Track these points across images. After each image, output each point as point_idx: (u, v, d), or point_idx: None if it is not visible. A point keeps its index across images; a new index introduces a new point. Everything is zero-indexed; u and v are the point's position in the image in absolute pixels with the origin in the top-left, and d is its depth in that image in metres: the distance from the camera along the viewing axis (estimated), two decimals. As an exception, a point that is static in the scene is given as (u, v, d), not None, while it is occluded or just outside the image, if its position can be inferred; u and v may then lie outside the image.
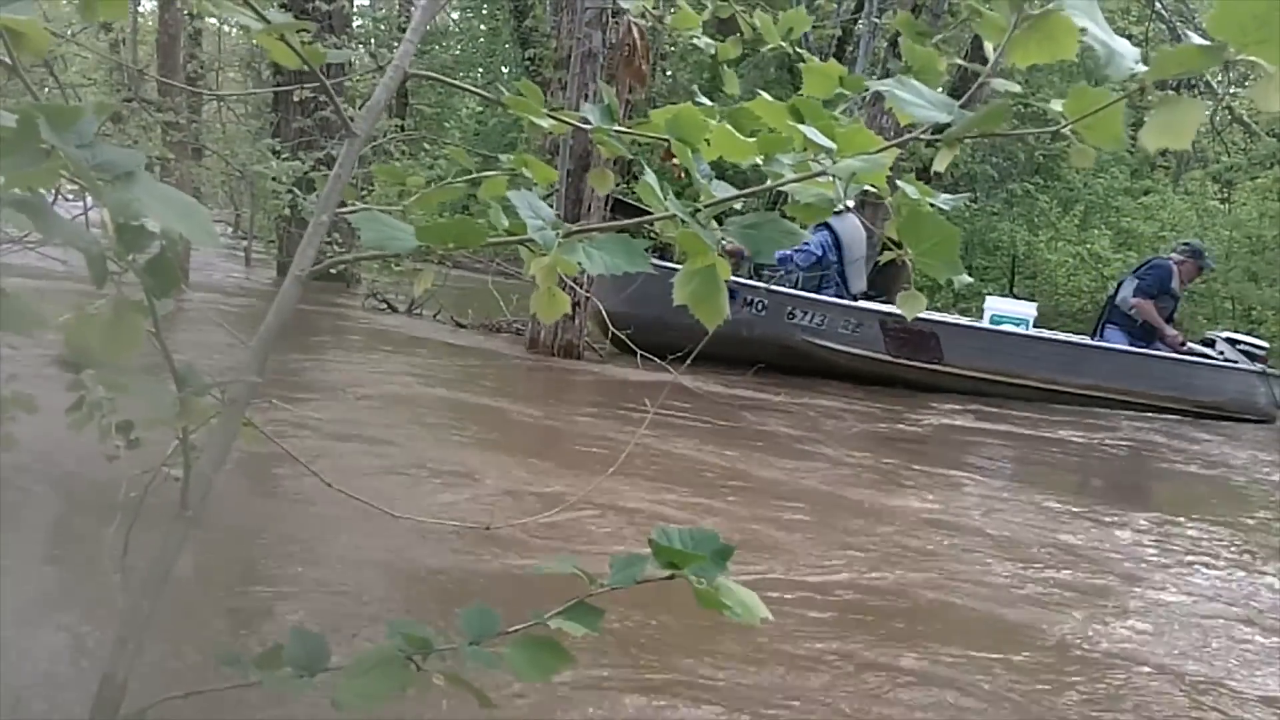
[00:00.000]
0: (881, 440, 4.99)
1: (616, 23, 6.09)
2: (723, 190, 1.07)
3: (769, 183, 1.04)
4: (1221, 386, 7.55)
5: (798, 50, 1.50)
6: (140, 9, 15.54)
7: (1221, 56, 0.81)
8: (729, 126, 1.07)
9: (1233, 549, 3.35)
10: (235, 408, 1.01)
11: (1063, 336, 8.19)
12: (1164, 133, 0.86)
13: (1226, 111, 13.89)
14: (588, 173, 6.01)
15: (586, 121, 1.18)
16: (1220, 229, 14.39)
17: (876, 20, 11.28)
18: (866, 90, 1.17)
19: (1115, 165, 15.85)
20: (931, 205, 1.01)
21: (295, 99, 9.53)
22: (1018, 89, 1.10)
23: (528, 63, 13.71)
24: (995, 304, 7.58)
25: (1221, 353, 7.79)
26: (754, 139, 1.06)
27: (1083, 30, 0.87)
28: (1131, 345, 7.53)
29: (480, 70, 18.89)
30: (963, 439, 5.42)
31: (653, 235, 1.09)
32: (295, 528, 2.39)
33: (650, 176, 1.02)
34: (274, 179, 8.10)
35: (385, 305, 8.14)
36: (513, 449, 3.59)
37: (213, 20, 15.66)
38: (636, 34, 1.66)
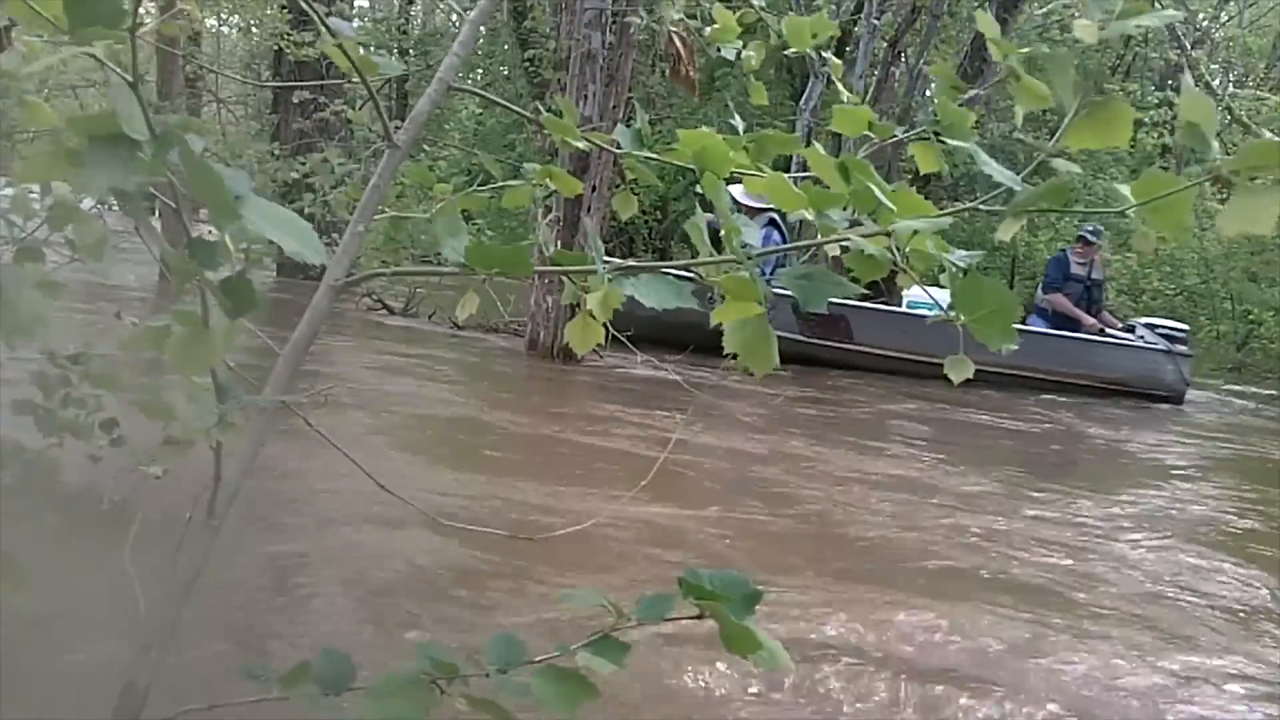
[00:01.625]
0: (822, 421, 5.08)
1: (616, 24, 6.10)
2: (743, 223, 1.07)
3: (820, 238, 1.05)
4: (1128, 365, 8.05)
5: (823, 55, 1.48)
6: (140, 11, 15.50)
7: None
8: (786, 180, 1.07)
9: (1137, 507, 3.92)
10: (265, 416, 1.01)
11: None
12: (1242, 220, 0.85)
13: (1225, 112, 13.89)
14: (585, 173, 6.01)
15: (617, 144, 1.19)
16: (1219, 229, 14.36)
17: (875, 22, 11.27)
18: (894, 137, 1.19)
19: (1115, 165, 15.85)
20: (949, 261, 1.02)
21: (295, 101, 9.52)
22: (1078, 169, 1.10)
23: (527, 64, 13.70)
24: (912, 293, 8.34)
25: (1141, 337, 8.26)
26: (805, 192, 1.06)
27: (1196, 122, 0.86)
28: (1050, 329, 8.13)
29: (480, 71, 18.90)
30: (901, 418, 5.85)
31: (699, 278, 1.10)
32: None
33: (700, 219, 1.03)
34: (275, 178, 8.08)
35: (381, 305, 8.14)
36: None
37: (211, 22, 15.67)
38: (680, 43, 1.65)
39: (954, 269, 1.00)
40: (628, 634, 0.98)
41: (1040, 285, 8.75)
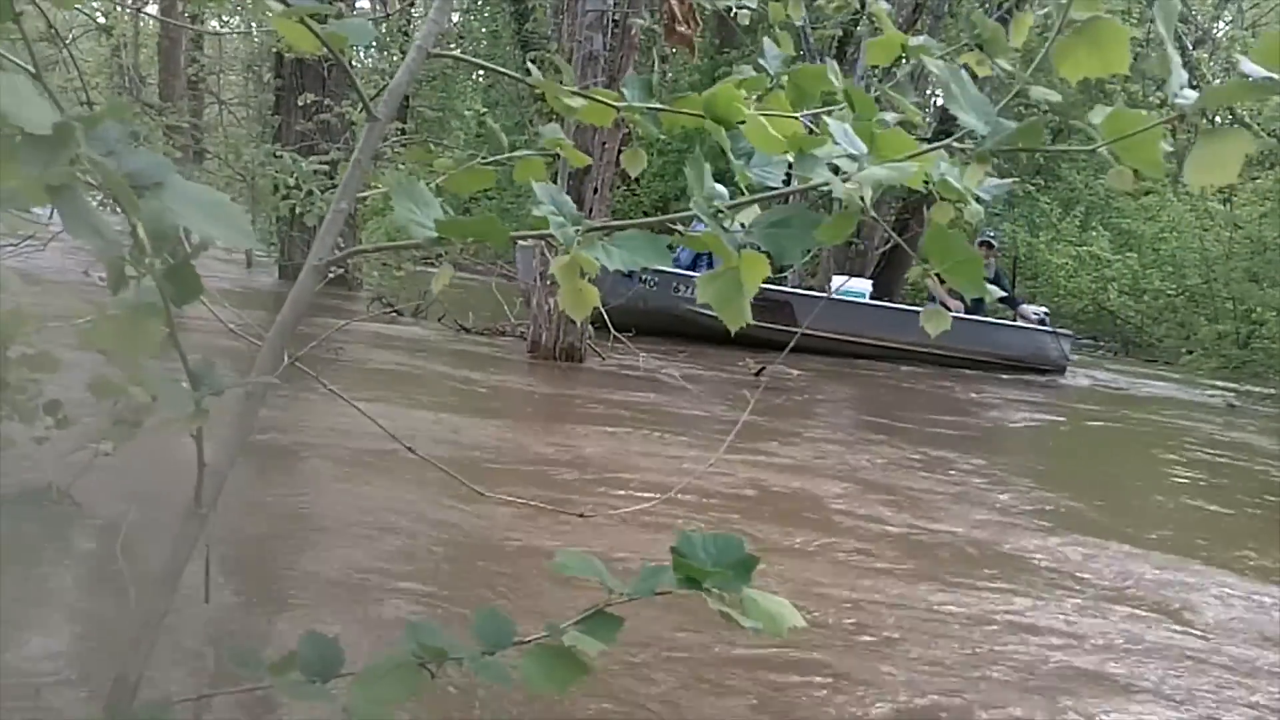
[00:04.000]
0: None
1: (617, 25, 6.09)
2: (760, 162, 1.04)
3: (795, 185, 1.02)
4: (1020, 344, 9.74)
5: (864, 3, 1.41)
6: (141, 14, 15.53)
7: (1273, 89, 0.77)
8: (764, 123, 1.04)
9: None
10: (252, 403, 0.99)
11: (893, 305, 10.19)
12: (1209, 168, 0.81)
13: (1227, 112, 13.86)
14: (588, 172, 6.01)
15: (621, 98, 1.16)
16: (1220, 230, 14.36)
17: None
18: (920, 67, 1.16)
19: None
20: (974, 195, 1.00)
21: (298, 103, 9.53)
22: (1058, 97, 1.05)
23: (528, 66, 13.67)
24: (839, 282, 9.81)
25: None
26: (788, 134, 1.04)
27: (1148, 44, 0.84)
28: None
29: (480, 74, 18.87)
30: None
31: (677, 233, 1.08)
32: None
33: (697, 164, 1.00)
34: (278, 184, 8.06)
35: (390, 309, 8.12)
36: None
37: (214, 23, 15.67)
38: (675, 1, 1.63)
39: (975, 203, 0.99)
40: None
41: None
